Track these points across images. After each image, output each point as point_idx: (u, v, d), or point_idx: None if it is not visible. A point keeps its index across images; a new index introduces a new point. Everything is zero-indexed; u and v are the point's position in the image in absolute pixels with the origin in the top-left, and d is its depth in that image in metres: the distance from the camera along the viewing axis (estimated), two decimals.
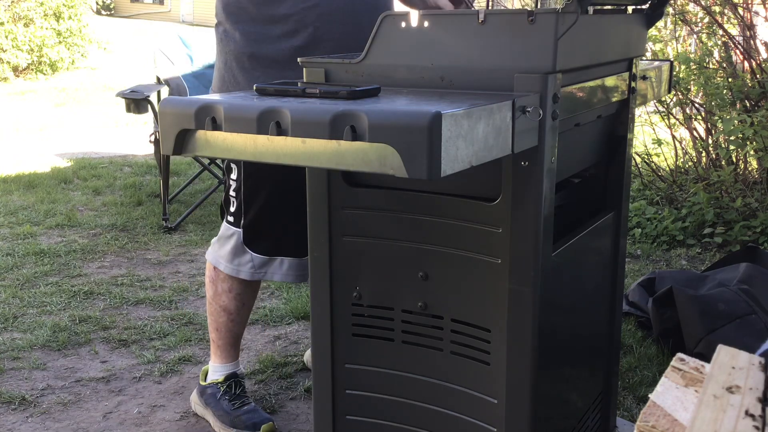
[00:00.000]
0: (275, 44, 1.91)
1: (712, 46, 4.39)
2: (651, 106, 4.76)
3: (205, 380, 2.25)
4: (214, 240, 2.16)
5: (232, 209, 2.07)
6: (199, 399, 2.25)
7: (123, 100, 4.11)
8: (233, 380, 2.21)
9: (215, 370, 2.24)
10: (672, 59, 3.59)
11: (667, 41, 4.82)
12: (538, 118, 1.31)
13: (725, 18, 4.34)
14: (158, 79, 4.40)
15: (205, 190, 4.65)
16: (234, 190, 2.05)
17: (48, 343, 2.71)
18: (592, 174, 1.83)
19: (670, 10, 4.40)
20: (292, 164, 1.19)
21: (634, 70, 1.76)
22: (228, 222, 2.09)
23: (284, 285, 3.23)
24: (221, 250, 2.11)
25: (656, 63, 2.07)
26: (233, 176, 2.05)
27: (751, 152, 3.99)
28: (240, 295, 2.14)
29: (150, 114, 4.11)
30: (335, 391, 1.67)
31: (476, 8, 1.75)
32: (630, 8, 1.73)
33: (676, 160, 4.61)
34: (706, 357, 1.13)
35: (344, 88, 1.26)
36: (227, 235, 2.10)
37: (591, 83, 1.56)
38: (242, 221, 2.05)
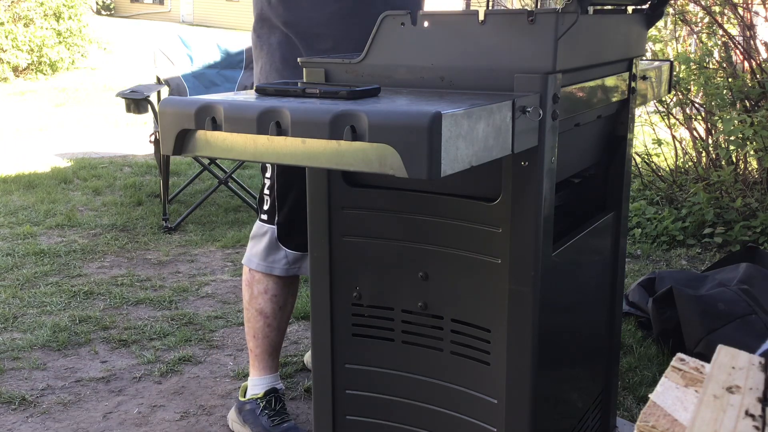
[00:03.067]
0: (320, 43, 1.93)
1: (712, 46, 4.39)
2: (651, 106, 4.77)
3: (244, 396, 2.20)
4: (249, 244, 2.14)
5: (266, 207, 2.07)
6: (237, 416, 2.18)
7: (123, 100, 4.11)
8: (273, 395, 2.16)
9: (254, 384, 2.18)
10: (672, 59, 3.59)
11: (667, 41, 4.82)
12: (538, 118, 1.31)
13: (725, 18, 4.34)
14: (158, 79, 4.40)
15: (205, 190, 4.65)
16: (268, 188, 2.05)
17: (48, 343, 2.71)
18: (592, 174, 1.83)
19: (670, 10, 4.40)
20: (293, 164, 1.19)
21: (634, 70, 1.76)
22: (261, 220, 2.09)
23: None
24: (254, 249, 2.10)
25: (656, 63, 2.07)
26: (267, 174, 2.05)
27: (751, 152, 3.99)
28: (276, 296, 2.11)
29: (150, 114, 4.11)
30: (335, 391, 1.67)
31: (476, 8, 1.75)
32: (630, 8, 1.74)
33: (676, 160, 4.61)
34: (706, 357, 1.13)
35: (344, 88, 1.26)
36: (261, 233, 2.09)
37: (591, 83, 1.56)
38: (276, 218, 2.05)
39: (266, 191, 2.06)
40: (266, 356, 2.17)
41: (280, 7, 1.94)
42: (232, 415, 2.22)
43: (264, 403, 2.15)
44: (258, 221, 2.11)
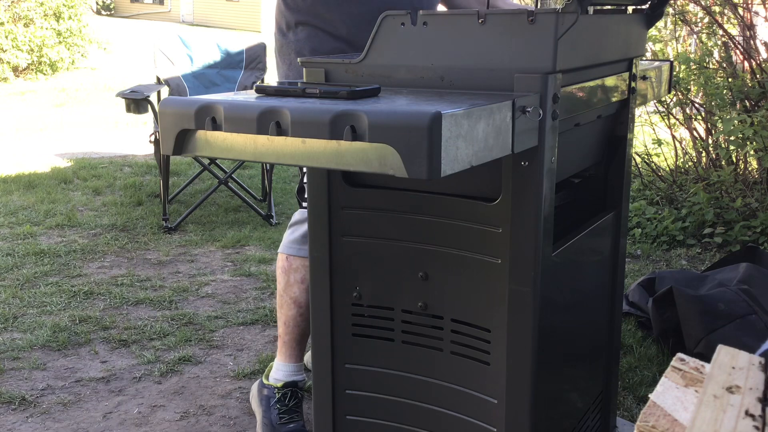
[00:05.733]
0: (335, 42, 1.96)
1: (712, 46, 4.39)
2: (651, 106, 4.77)
3: (267, 378, 2.22)
4: (286, 233, 2.15)
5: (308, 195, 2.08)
6: (257, 394, 2.23)
7: (123, 100, 4.12)
8: (290, 390, 2.16)
9: (278, 369, 2.20)
10: (672, 59, 3.59)
11: (667, 41, 4.83)
12: (538, 118, 1.31)
13: (725, 18, 4.34)
14: (158, 79, 4.40)
15: (205, 190, 4.65)
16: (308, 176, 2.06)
17: (48, 343, 2.71)
18: (592, 174, 1.83)
19: (670, 10, 4.40)
20: (293, 164, 1.19)
21: (634, 70, 1.76)
22: (303, 207, 2.09)
23: None
24: (293, 236, 2.10)
25: (656, 63, 2.07)
26: None
27: (751, 152, 3.99)
28: None
29: (150, 114, 4.11)
30: (335, 391, 1.67)
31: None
32: (630, 8, 1.74)
33: (676, 160, 4.61)
34: (706, 357, 1.13)
35: (344, 88, 1.26)
36: (303, 218, 2.09)
37: (591, 83, 1.56)
38: None
39: (306, 180, 2.06)
40: (294, 344, 2.18)
41: (309, 8, 1.97)
42: (253, 390, 2.26)
43: (279, 395, 2.16)
44: (299, 210, 2.11)
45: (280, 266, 2.16)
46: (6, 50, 10.46)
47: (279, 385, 2.17)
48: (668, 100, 4.33)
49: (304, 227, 2.08)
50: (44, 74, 11.06)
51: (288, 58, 2.04)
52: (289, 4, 2.02)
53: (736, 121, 3.66)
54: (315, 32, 1.98)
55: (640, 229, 3.97)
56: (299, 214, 2.12)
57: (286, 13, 2.03)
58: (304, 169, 2.07)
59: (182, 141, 1.27)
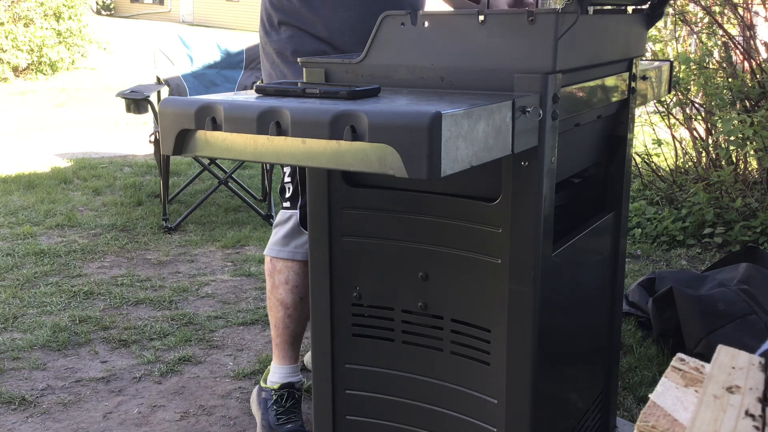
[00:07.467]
0: (317, 44, 1.97)
1: (712, 46, 4.39)
2: (651, 106, 4.76)
3: (265, 382, 2.22)
4: (271, 234, 2.15)
5: (288, 195, 2.08)
6: (256, 397, 2.24)
7: (123, 100, 4.11)
8: (287, 390, 2.16)
9: (274, 372, 2.21)
10: (672, 59, 3.59)
11: (667, 41, 4.82)
12: (538, 118, 1.31)
13: (725, 18, 4.34)
14: (158, 79, 4.40)
15: (205, 190, 4.65)
16: (289, 176, 2.06)
17: (48, 343, 2.71)
18: (592, 174, 1.83)
19: (670, 10, 4.40)
20: (293, 164, 1.19)
21: (634, 70, 1.76)
22: (284, 208, 2.09)
23: None
24: (275, 237, 2.10)
25: (656, 63, 2.07)
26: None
27: (751, 152, 3.99)
28: (297, 287, 2.10)
29: (150, 114, 4.11)
30: (335, 391, 1.67)
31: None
32: (630, 8, 1.74)
33: (676, 160, 4.61)
34: (706, 357, 1.13)
35: (344, 88, 1.26)
36: (284, 219, 2.09)
37: (591, 83, 1.56)
38: (299, 202, 2.05)
39: (287, 179, 2.07)
40: (286, 346, 2.18)
41: (293, 8, 1.97)
42: (253, 395, 2.27)
43: (276, 397, 2.16)
44: (281, 211, 2.11)
45: (266, 269, 2.16)
46: (6, 50, 10.47)
47: (275, 387, 2.17)
48: (668, 100, 4.33)
49: (286, 228, 2.08)
50: (44, 74, 11.06)
51: (271, 57, 2.05)
52: (274, 1, 2.02)
53: (735, 121, 3.66)
54: (298, 33, 1.98)
55: (640, 229, 3.97)
56: (281, 215, 2.12)
57: (271, 10, 2.03)
58: (285, 169, 2.07)
59: (182, 141, 1.27)
